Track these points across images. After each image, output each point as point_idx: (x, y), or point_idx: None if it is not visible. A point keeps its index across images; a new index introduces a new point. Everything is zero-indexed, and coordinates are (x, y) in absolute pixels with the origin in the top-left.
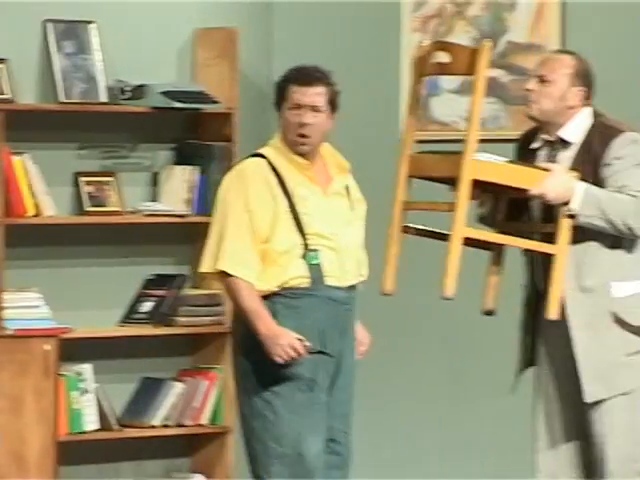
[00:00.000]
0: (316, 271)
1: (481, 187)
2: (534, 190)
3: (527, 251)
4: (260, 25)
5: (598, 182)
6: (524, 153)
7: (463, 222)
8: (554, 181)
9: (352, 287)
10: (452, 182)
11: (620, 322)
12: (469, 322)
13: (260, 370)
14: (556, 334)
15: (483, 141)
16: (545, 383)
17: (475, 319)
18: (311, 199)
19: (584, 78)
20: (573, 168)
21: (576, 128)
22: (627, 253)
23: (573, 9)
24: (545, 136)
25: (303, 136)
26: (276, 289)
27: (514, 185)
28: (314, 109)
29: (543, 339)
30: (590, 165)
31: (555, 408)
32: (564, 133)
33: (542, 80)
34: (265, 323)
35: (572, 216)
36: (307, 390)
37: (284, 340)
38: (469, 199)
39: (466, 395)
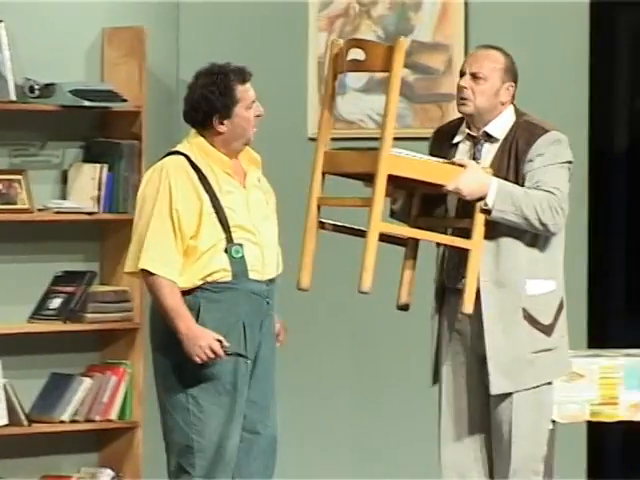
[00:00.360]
0: (239, 265)
1: (394, 183)
2: (449, 186)
3: (439, 246)
4: (168, 24)
5: (518, 178)
6: (440, 148)
7: (380, 217)
8: (468, 177)
9: (272, 280)
10: (367, 178)
11: (530, 319)
12: (377, 317)
13: (182, 367)
14: (466, 327)
15: None
16: (453, 377)
17: (383, 314)
18: (235, 193)
19: (513, 74)
20: (494, 163)
21: (502, 124)
22: (543, 252)
23: (476, 9)
24: (470, 131)
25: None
26: (199, 283)
27: (430, 181)
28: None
29: (451, 332)
30: (513, 160)
31: (462, 403)
32: (491, 128)
33: (475, 77)
34: (185, 322)
35: (487, 211)
36: (229, 387)
37: (203, 341)
38: (385, 195)
39: (373, 390)
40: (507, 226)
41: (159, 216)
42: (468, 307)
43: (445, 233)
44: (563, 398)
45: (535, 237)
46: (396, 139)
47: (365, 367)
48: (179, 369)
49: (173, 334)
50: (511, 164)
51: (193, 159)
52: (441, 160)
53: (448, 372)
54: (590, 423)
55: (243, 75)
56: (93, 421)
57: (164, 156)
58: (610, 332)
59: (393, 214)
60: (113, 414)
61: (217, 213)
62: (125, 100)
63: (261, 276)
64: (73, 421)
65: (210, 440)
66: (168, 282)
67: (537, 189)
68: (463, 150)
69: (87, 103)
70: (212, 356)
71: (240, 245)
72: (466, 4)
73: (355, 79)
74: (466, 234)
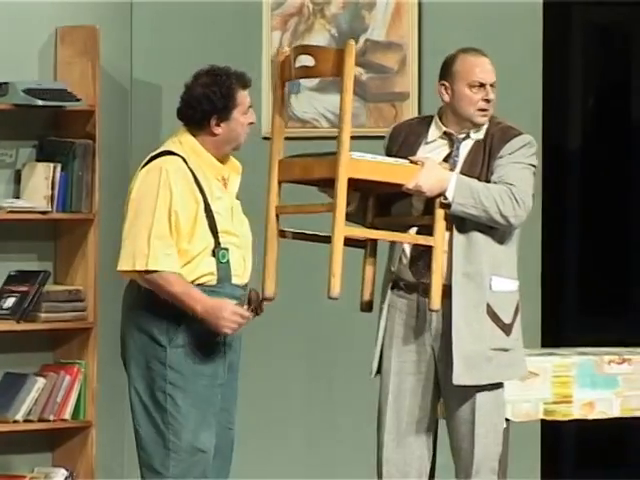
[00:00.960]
0: (224, 269)
1: (349, 185)
2: (409, 184)
3: (392, 243)
4: (121, 23)
5: (487, 173)
6: (400, 146)
7: (343, 221)
8: (427, 174)
9: (246, 285)
10: (321, 183)
11: (492, 315)
12: (330, 316)
13: (162, 367)
14: (423, 322)
15: None
16: (400, 374)
17: (338, 314)
18: (223, 199)
19: None
20: (469, 158)
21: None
22: (508, 251)
23: (429, 8)
24: (447, 129)
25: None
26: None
27: (390, 181)
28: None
29: (405, 328)
30: (487, 156)
31: (407, 401)
32: (474, 132)
33: (493, 87)
34: (201, 303)
35: (447, 205)
36: (209, 386)
37: (225, 312)
38: (344, 201)
39: (327, 390)
40: (475, 222)
41: (160, 216)
42: (436, 303)
43: (405, 231)
44: (517, 397)
45: (502, 235)
46: (350, 138)
47: (318, 366)
48: (163, 366)
49: (157, 334)
50: (484, 161)
51: (187, 161)
52: (399, 160)
53: (396, 370)
54: (544, 422)
55: (244, 80)
56: (47, 421)
57: (156, 155)
58: (564, 331)
59: (347, 217)
60: (67, 414)
61: (208, 217)
62: (79, 99)
63: (241, 281)
64: (27, 421)
65: (187, 441)
66: (172, 274)
67: (499, 183)
68: (438, 148)
69: (40, 102)
70: (241, 320)
71: (226, 249)
72: (419, 3)
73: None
74: (430, 231)
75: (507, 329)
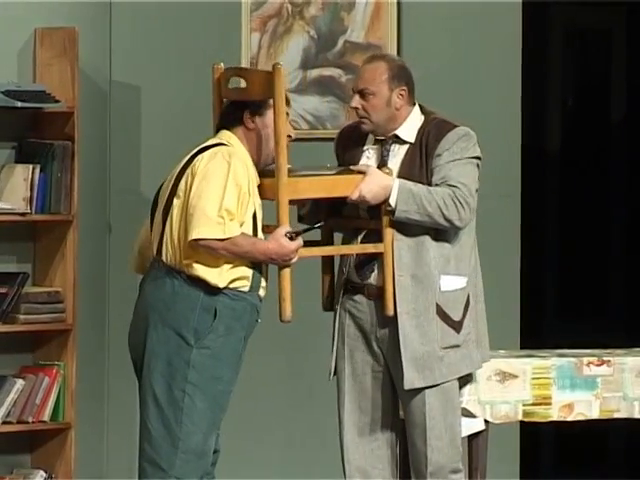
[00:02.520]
0: (256, 278)
1: None
2: (352, 196)
3: (343, 243)
4: (100, 25)
5: (428, 174)
6: (345, 151)
7: None
8: (370, 183)
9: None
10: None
11: (442, 314)
12: (304, 318)
13: (189, 364)
14: (372, 324)
15: (322, 140)
16: (354, 376)
17: (309, 314)
18: (260, 205)
19: (401, 77)
20: (405, 162)
21: (410, 126)
22: (454, 248)
23: (408, 10)
24: (379, 137)
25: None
26: (221, 286)
27: (332, 196)
28: None
29: (356, 329)
30: (423, 157)
31: (366, 402)
32: (401, 132)
33: (363, 94)
34: (265, 254)
35: (391, 212)
36: (225, 392)
37: (292, 253)
38: (288, 218)
39: (305, 390)
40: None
41: (230, 190)
42: (389, 308)
43: (356, 233)
44: (496, 398)
45: (446, 233)
46: (329, 139)
47: (295, 369)
48: (186, 365)
49: (185, 331)
50: (422, 161)
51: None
52: (341, 169)
53: (349, 370)
54: (523, 423)
55: None
56: (26, 422)
57: (209, 146)
58: (543, 333)
59: (301, 219)
60: (46, 415)
61: (253, 220)
62: (58, 101)
63: (263, 293)
64: (5, 422)
65: (196, 443)
66: (239, 237)
67: (442, 185)
68: (371, 154)
69: (19, 104)
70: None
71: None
72: (399, 4)
73: (288, 80)
74: (379, 235)
75: (457, 326)
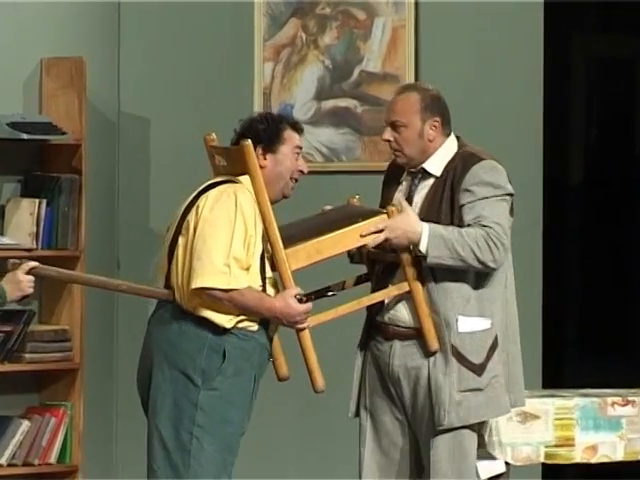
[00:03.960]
0: (265, 318)
1: None
2: (370, 244)
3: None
4: (108, 54)
5: (454, 208)
6: (389, 184)
7: None
8: (394, 229)
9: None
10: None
11: (458, 356)
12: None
13: (197, 405)
14: (390, 364)
15: (338, 172)
16: (375, 418)
17: (330, 348)
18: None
19: (434, 107)
20: (428, 196)
21: (440, 159)
22: (478, 289)
23: (427, 39)
24: (412, 169)
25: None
26: (228, 326)
27: (340, 252)
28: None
29: (376, 368)
30: (447, 191)
31: (386, 444)
32: (428, 165)
33: (395, 127)
34: (270, 311)
35: (423, 257)
36: (234, 434)
37: (298, 316)
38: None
39: (322, 429)
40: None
41: (238, 235)
42: (433, 344)
43: (373, 265)
44: (517, 439)
45: (469, 274)
46: (344, 172)
47: (312, 410)
48: (193, 407)
49: (192, 372)
50: (445, 195)
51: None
52: (349, 221)
53: (370, 409)
54: (545, 465)
55: (295, 123)
56: (32, 465)
57: (217, 183)
58: (565, 372)
59: (352, 259)
60: (52, 457)
61: (261, 258)
62: (64, 133)
63: (273, 332)
64: (11, 465)
65: None
66: (246, 289)
67: (474, 225)
68: (403, 188)
69: (25, 136)
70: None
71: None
72: (416, 33)
73: (302, 111)
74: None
75: (478, 369)
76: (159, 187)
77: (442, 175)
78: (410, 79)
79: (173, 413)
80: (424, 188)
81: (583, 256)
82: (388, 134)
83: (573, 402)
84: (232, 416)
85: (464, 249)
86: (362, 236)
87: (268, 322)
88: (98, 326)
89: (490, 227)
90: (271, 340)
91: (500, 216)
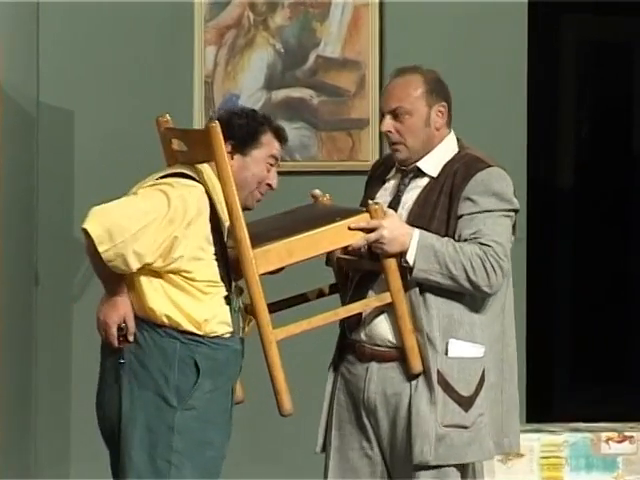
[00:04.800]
0: (237, 320)
1: None
2: (355, 243)
3: (343, 286)
4: (25, 40)
5: (450, 217)
6: (372, 184)
7: (270, 326)
8: (393, 228)
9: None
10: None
11: (445, 385)
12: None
13: (174, 429)
14: (366, 390)
15: (291, 173)
16: (343, 449)
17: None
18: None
19: (439, 91)
20: (420, 199)
21: (437, 158)
22: (469, 311)
23: (393, 19)
24: (401, 167)
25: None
26: (200, 332)
27: (317, 254)
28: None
29: (347, 395)
30: (445, 196)
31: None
32: (423, 163)
33: (396, 115)
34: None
35: (409, 270)
36: (216, 457)
37: (117, 317)
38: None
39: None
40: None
41: (155, 228)
42: (416, 366)
43: (352, 276)
44: None
45: (461, 293)
46: (298, 173)
47: (261, 435)
48: (169, 430)
49: (166, 390)
50: (442, 201)
51: (209, 192)
52: (327, 220)
53: (336, 443)
54: None
55: (279, 130)
56: None
57: (169, 175)
58: (553, 403)
59: (328, 262)
60: None
61: (223, 258)
62: None
63: (244, 334)
64: None
65: None
66: (113, 275)
67: (472, 241)
68: (389, 187)
69: None
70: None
71: (237, 297)
72: (381, 13)
73: (249, 102)
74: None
75: (465, 403)
76: (85, 188)
77: (439, 177)
78: (374, 66)
79: (147, 439)
80: (415, 188)
81: (574, 269)
82: (388, 125)
83: (562, 438)
84: (212, 437)
85: (456, 266)
86: (350, 229)
87: (240, 324)
88: (14, 349)
89: (489, 246)
90: (243, 342)
91: (501, 234)
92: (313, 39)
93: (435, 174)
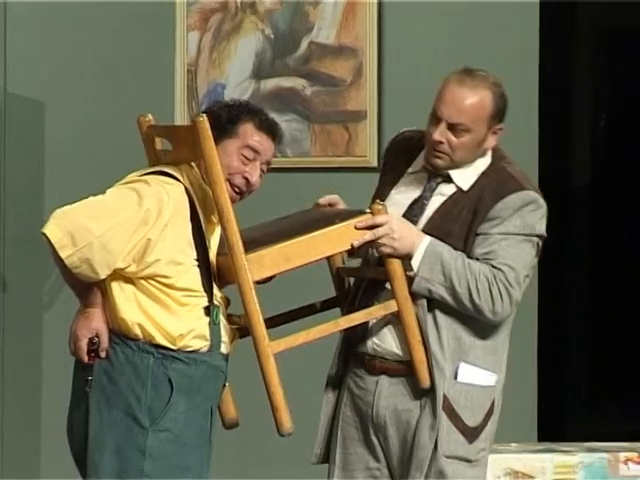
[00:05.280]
0: (216, 334)
1: None
2: (355, 243)
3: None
4: None
5: (469, 236)
6: (388, 165)
7: (266, 338)
8: (401, 228)
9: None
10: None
11: (450, 412)
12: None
13: (145, 452)
14: (375, 406)
15: (281, 170)
16: (346, 471)
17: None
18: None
19: (502, 112)
20: (442, 209)
21: (472, 170)
22: (481, 335)
23: (392, 4)
24: (430, 167)
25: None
26: (173, 348)
27: (315, 259)
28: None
29: (355, 411)
30: (469, 212)
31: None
32: (456, 174)
33: (455, 128)
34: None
35: (410, 278)
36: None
37: (87, 332)
38: (259, 306)
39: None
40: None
41: (126, 227)
42: (425, 380)
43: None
44: None
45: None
46: (289, 170)
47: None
48: (140, 454)
49: (137, 410)
50: (464, 216)
51: (189, 191)
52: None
53: (340, 462)
54: None
55: (262, 121)
56: None
57: (149, 173)
58: (567, 421)
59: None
60: None
61: (204, 266)
62: None
63: (227, 349)
64: None
65: None
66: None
67: (484, 262)
68: (407, 184)
69: None
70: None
71: (219, 308)
72: None
73: (236, 93)
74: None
75: (470, 434)
76: (56, 185)
77: (469, 191)
78: (372, 53)
79: (116, 464)
80: (441, 197)
81: (589, 275)
82: (442, 135)
83: (577, 458)
84: (187, 462)
85: (460, 283)
86: (357, 228)
87: (220, 338)
88: None
89: (501, 270)
90: (227, 359)
91: (518, 259)
92: (305, 24)
93: (466, 188)
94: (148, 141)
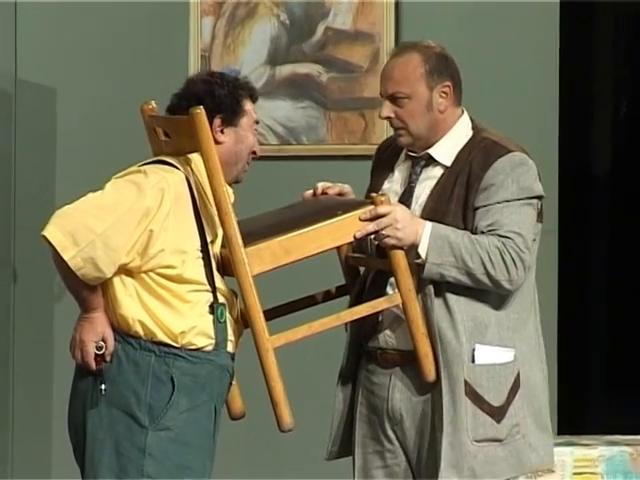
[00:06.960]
0: (222, 332)
1: None
2: (357, 234)
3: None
4: (1, 10)
5: (467, 210)
6: (377, 168)
7: (266, 332)
8: (404, 217)
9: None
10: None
11: (474, 396)
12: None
13: (145, 451)
14: (391, 401)
15: (297, 158)
16: (371, 468)
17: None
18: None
19: (442, 69)
20: (435, 191)
21: (451, 144)
22: (500, 310)
23: None
24: (411, 152)
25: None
26: (175, 345)
27: (316, 252)
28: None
29: (370, 408)
30: (461, 188)
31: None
32: (435, 151)
33: (395, 99)
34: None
35: (418, 265)
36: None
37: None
38: (259, 301)
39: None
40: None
41: (127, 221)
42: (430, 373)
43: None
44: None
45: (485, 290)
46: (305, 158)
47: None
48: (140, 453)
49: (136, 409)
50: (457, 192)
51: (190, 181)
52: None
53: (359, 461)
54: None
55: (251, 90)
56: None
57: (147, 163)
58: (587, 414)
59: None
60: None
61: (205, 261)
62: None
63: (233, 348)
64: None
65: None
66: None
67: (489, 233)
68: (396, 177)
69: None
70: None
71: (224, 306)
72: None
73: (251, 79)
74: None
75: (497, 414)
76: (68, 174)
77: (453, 166)
78: (389, 38)
79: (115, 463)
80: (429, 179)
81: (609, 266)
82: (387, 110)
83: (597, 452)
84: (189, 461)
85: (473, 259)
86: (361, 220)
87: (226, 336)
88: None
89: (508, 238)
90: (233, 357)
91: (522, 224)
92: (321, 9)
93: (449, 163)
94: (150, 130)
